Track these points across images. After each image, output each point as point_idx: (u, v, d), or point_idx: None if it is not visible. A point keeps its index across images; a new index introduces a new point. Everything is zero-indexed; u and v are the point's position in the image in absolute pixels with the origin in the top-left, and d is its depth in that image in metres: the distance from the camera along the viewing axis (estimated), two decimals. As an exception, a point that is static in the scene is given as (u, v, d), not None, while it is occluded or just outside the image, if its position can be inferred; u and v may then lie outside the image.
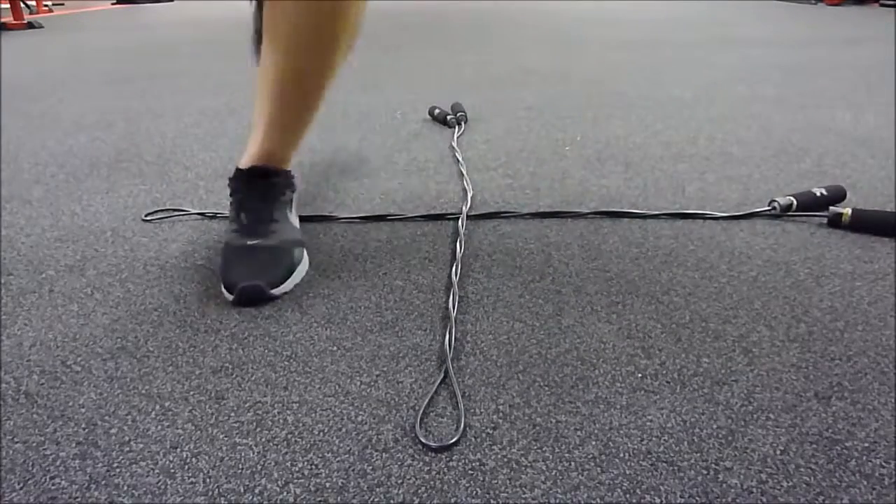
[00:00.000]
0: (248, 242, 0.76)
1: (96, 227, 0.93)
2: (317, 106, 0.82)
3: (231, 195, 0.82)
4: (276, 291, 0.72)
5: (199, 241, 0.88)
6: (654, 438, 0.51)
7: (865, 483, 0.46)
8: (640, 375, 0.58)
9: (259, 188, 0.80)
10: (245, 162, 0.81)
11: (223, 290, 0.73)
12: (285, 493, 0.46)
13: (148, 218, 0.96)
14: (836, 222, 0.88)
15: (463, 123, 1.44)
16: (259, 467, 0.49)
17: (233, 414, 0.54)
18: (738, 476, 0.47)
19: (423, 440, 0.50)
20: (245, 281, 0.70)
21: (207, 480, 0.47)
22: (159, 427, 0.53)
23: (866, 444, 0.50)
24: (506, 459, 0.49)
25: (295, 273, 0.75)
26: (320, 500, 0.46)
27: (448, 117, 1.46)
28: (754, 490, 0.46)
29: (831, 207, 0.89)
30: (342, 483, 0.47)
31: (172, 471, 0.48)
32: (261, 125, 0.80)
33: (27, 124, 1.57)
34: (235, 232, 0.78)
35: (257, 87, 0.79)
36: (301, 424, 0.53)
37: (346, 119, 1.54)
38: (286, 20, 0.74)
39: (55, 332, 0.67)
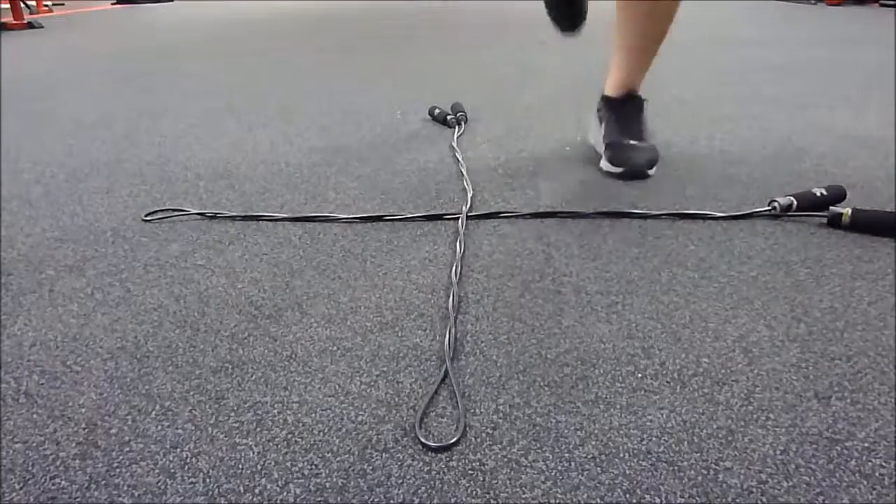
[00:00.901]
0: (630, 141, 1.12)
1: (96, 227, 0.93)
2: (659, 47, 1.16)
3: (609, 111, 1.18)
4: (650, 172, 1.08)
5: (199, 241, 0.88)
6: (654, 438, 0.51)
7: (865, 483, 0.46)
8: (640, 375, 0.58)
9: (632, 106, 1.17)
10: (615, 90, 1.19)
11: (608, 166, 1.10)
12: (285, 493, 0.46)
13: (148, 218, 0.96)
14: (836, 222, 0.87)
15: (463, 123, 1.44)
16: (259, 467, 0.49)
17: (233, 414, 0.54)
18: (738, 476, 0.47)
19: (423, 440, 0.50)
20: (631, 162, 1.07)
21: (207, 480, 0.47)
22: (159, 427, 0.53)
23: (866, 444, 0.50)
24: (506, 459, 0.49)
25: (656, 164, 1.10)
26: (320, 500, 0.46)
27: (448, 117, 1.46)
28: (754, 490, 0.46)
29: (831, 207, 0.89)
30: (342, 483, 0.47)
31: (172, 471, 0.48)
32: (624, 64, 1.18)
33: (27, 124, 1.57)
34: (620, 134, 1.13)
35: (615, 40, 1.19)
36: (301, 424, 0.53)
37: (346, 119, 1.54)
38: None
39: (55, 332, 0.67)
